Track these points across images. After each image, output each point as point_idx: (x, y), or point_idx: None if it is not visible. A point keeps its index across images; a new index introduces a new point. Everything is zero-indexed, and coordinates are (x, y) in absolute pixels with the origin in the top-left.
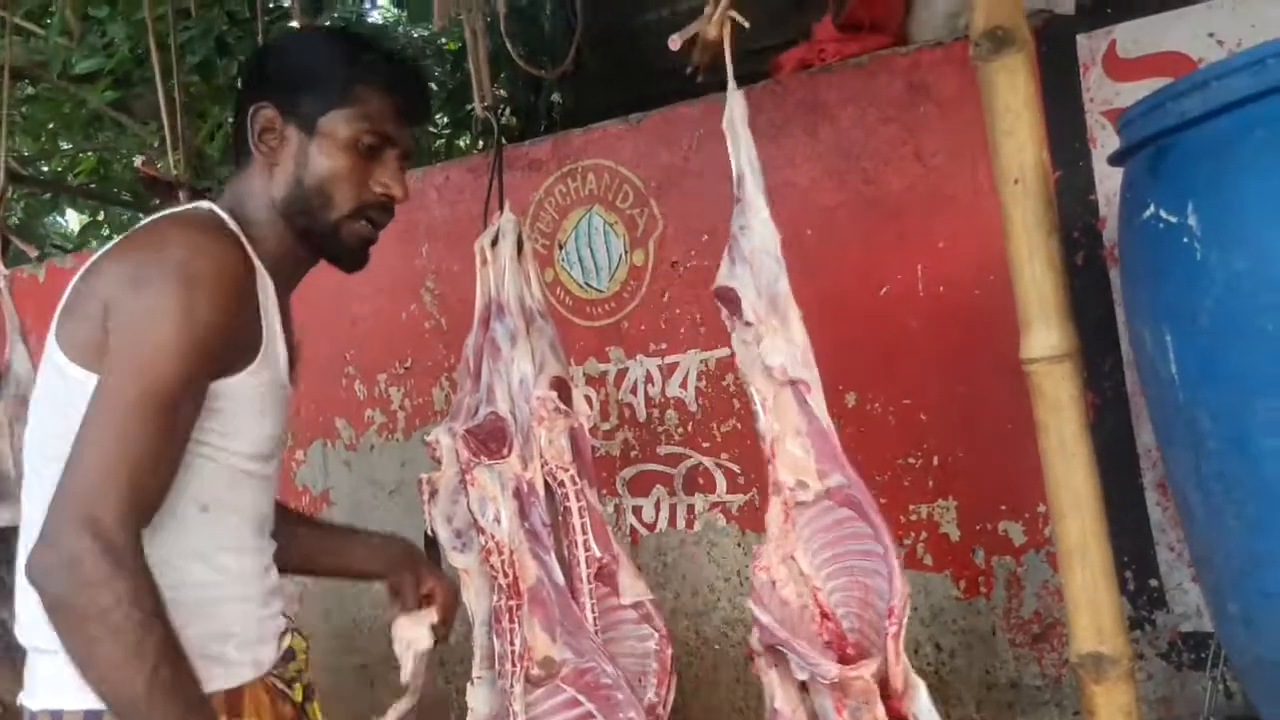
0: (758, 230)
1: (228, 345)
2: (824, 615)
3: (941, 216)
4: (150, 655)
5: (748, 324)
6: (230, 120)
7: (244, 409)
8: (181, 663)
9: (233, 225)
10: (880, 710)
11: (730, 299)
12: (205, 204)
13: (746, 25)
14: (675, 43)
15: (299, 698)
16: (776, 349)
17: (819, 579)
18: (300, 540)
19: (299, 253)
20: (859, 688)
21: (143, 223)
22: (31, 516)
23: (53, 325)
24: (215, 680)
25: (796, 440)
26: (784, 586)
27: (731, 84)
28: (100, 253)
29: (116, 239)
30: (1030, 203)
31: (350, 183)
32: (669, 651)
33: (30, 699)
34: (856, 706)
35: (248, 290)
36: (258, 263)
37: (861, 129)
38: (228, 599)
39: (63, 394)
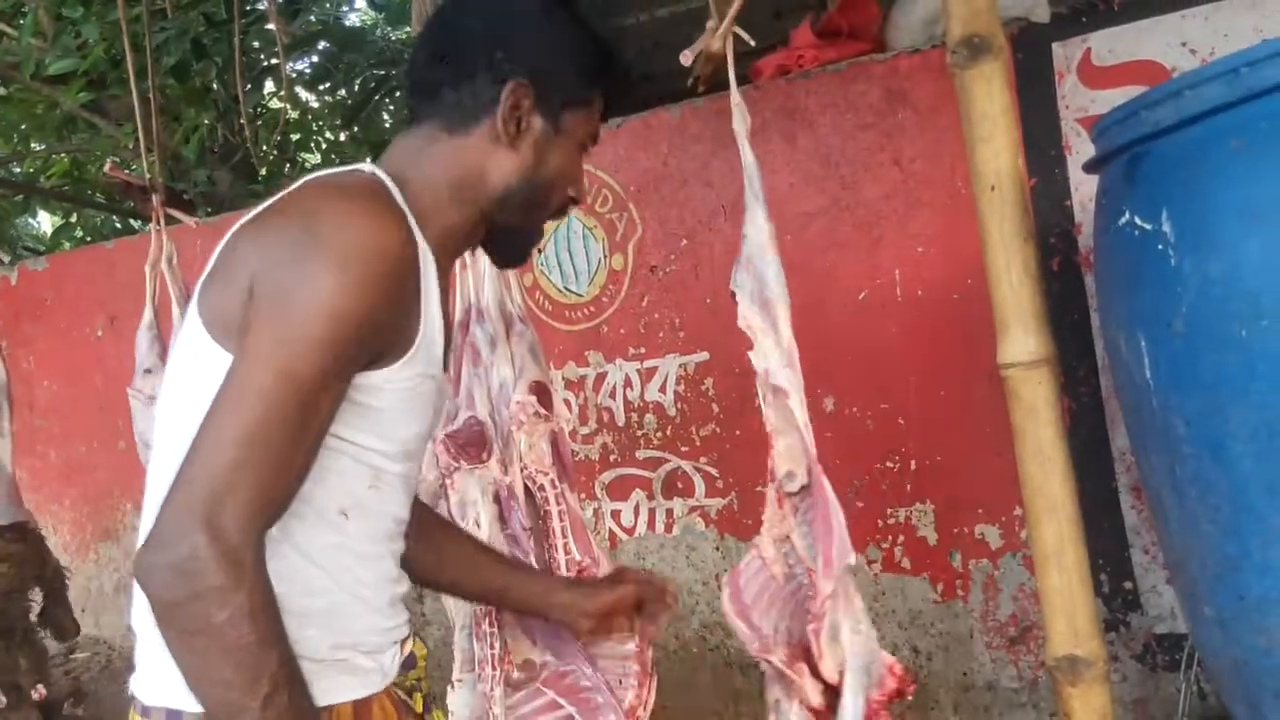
0: (753, 237)
1: (380, 334)
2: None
3: (919, 222)
4: (265, 678)
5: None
6: (432, 64)
7: (393, 404)
8: (298, 687)
9: (398, 196)
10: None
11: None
12: (368, 167)
13: (751, 41)
14: (687, 58)
15: (419, 708)
16: (763, 353)
17: (811, 561)
18: (451, 555)
19: (475, 235)
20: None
21: (300, 182)
22: (149, 503)
23: (196, 291)
24: (342, 690)
25: (780, 439)
26: (774, 564)
27: (735, 95)
28: (254, 213)
29: (273, 199)
30: (1007, 209)
31: (571, 184)
32: (649, 654)
33: (145, 692)
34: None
35: (408, 272)
36: (421, 240)
37: (840, 135)
38: (356, 610)
39: (195, 369)
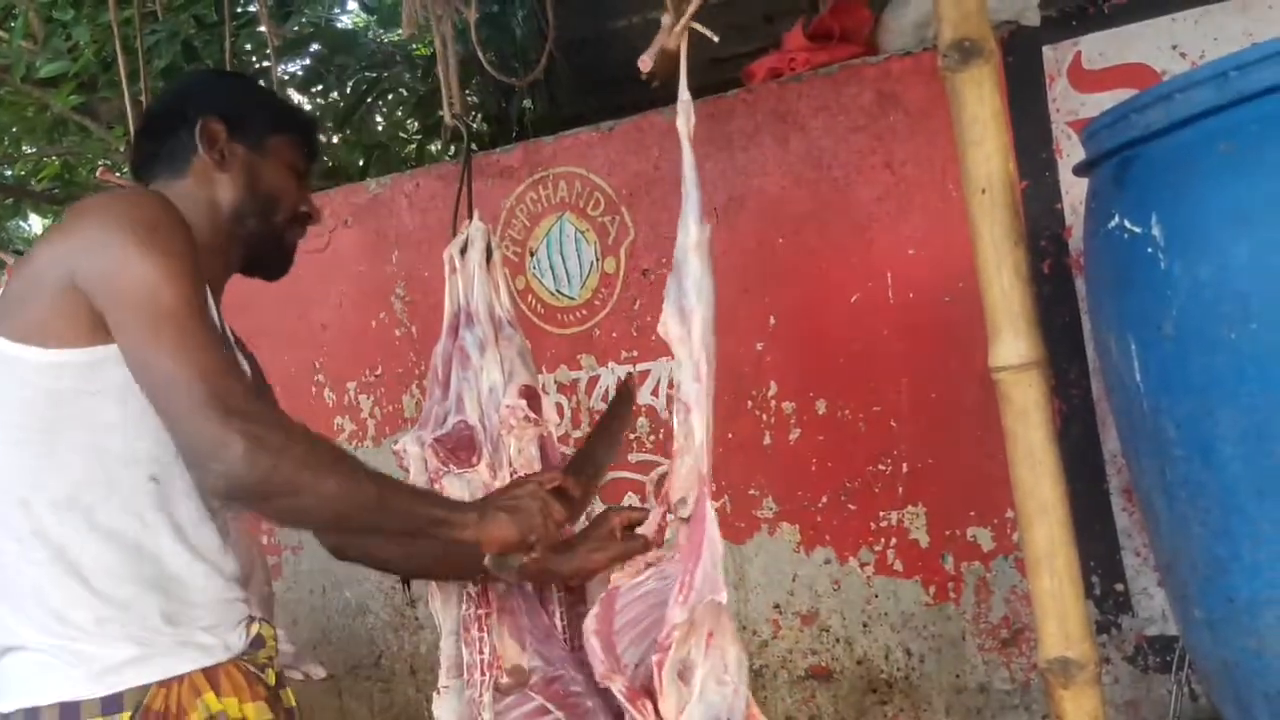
0: (680, 241)
1: (196, 276)
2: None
3: (911, 225)
4: (356, 463)
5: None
6: (143, 140)
7: None
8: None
9: None
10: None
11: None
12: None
13: (715, 38)
14: (646, 64)
15: (272, 682)
16: (677, 365)
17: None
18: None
19: (229, 258)
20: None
21: (72, 207)
22: None
23: None
24: (191, 660)
25: (686, 457)
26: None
27: (684, 94)
28: (33, 248)
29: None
30: (998, 212)
31: (292, 197)
32: None
33: (2, 702)
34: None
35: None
36: None
37: (831, 138)
38: (193, 572)
39: (10, 382)
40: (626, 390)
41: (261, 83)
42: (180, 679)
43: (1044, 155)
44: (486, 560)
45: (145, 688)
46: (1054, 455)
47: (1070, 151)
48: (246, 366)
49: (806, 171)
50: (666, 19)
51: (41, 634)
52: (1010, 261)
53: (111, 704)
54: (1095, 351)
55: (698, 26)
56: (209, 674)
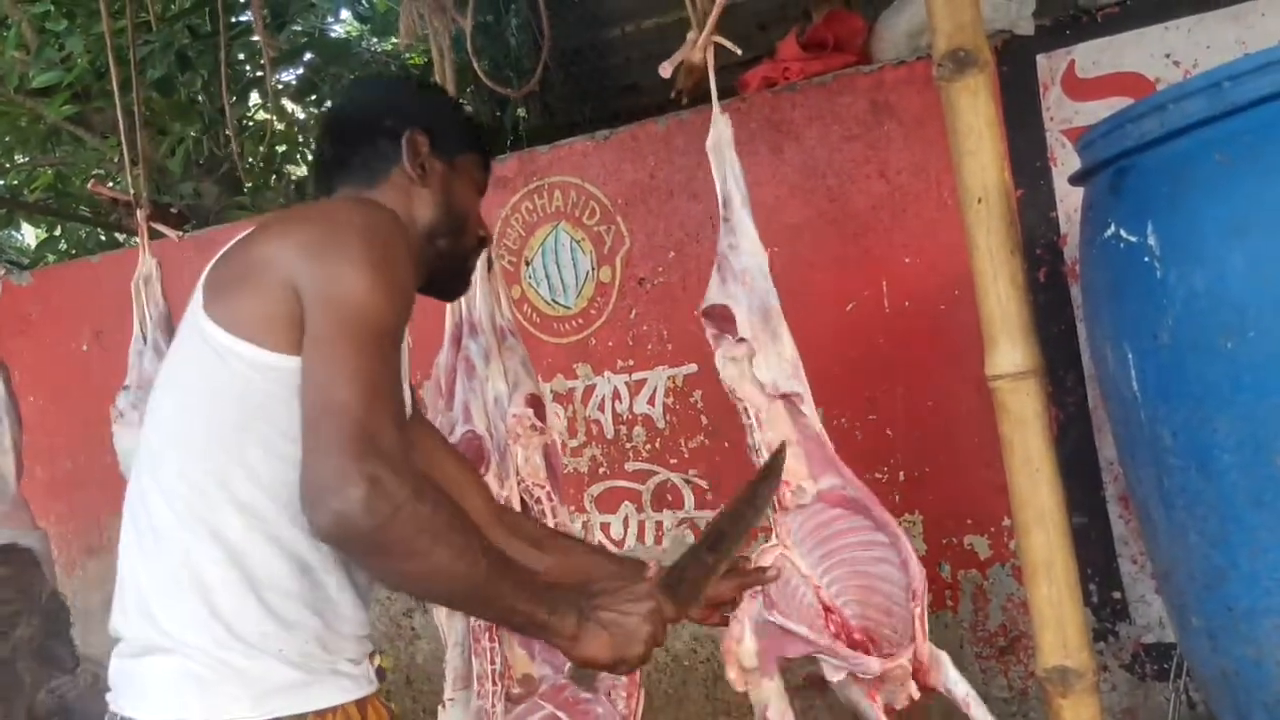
0: (747, 249)
1: (407, 311)
2: (827, 609)
3: (906, 233)
4: (473, 540)
5: (740, 340)
6: (335, 143)
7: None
8: (493, 550)
9: None
10: (913, 686)
11: (722, 316)
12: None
13: (737, 51)
14: (666, 70)
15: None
16: (768, 365)
17: (817, 576)
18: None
19: (416, 273)
20: (897, 675)
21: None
22: (139, 510)
23: (197, 306)
24: (344, 691)
25: (789, 449)
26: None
27: (716, 108)
28: (249, 232)
29: (266, 217)
30: (994, 222)
31: (477, 218)
32: None
33: (140, 707)
34: (892, 690)
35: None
36: None
37: (826, 147)
38: (345, 600)
39: (222, 373)
40: (777, 463)
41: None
42: (335, 709)
43: (1038, 164)
44: (568, 669)
45: (303, 716)
46: (1052, 463)
47: (1064, 160)
48: (409, 399)
49: (801, 180)
50: (691, 34)
51: (203, 639)
52: (1006, 270)
53: None
54: (1092, 359)
55: (721, 40)
56: (360, 706)
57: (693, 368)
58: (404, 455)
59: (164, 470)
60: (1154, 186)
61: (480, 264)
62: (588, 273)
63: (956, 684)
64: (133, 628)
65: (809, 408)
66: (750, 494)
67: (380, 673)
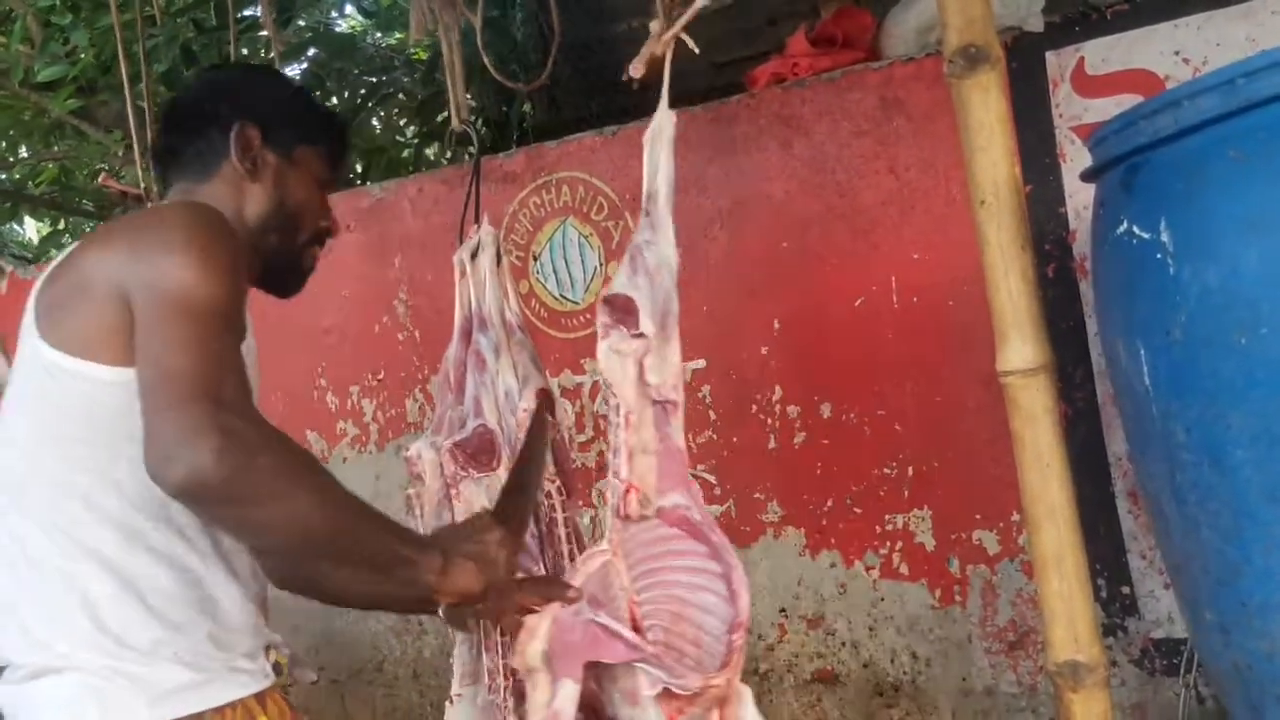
0: (663, 247)
1: (243, 296)
2: (635, 626)
3: (915, 229)
4: (334, 481)
5: (638, 335)
6: (169, 134)
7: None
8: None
9: None
10: (715, 716)
11: (623, 308)
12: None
13: (696, 49)
14: (637, 70)
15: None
16: (659, 367)
17: (635, 590)
18: None
19: (249, 271)
20: (712, 696)
21: (128, 215)
22: (24, 526)
23: (30, 329)
24: (242, 686)
25: (643, 458)
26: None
27: (664, 103)
28: (73, 248)
29: (90, 233)
30: (1004, 218)
31: (315, 213)
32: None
33: None
34: (699, 714)
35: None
36: None
37: (835, 142)
38: (231, 596)
39: (67, 395)
40: (540, 417)
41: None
42: (234, 705)
43: (1047, 160)
44: (441, 611)
45: (201, 715)
46: (1062, 458)
47: (1074, 156)
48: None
49: (810, 176)
50: (655, 25)
51: (95, 654)
52: (1017, 266)
53: None
54: (1103, 355)
55: (684, 37)
56: (259, 699)
57: (700, 363)
58: (251, 405)
59: (30, 500)
60: (1167, 183)
61: (489, 258)
62: (596, 268)
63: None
64: (20, 654)
65: (679, 421)
66: (528, 447)
67: (277, 668)
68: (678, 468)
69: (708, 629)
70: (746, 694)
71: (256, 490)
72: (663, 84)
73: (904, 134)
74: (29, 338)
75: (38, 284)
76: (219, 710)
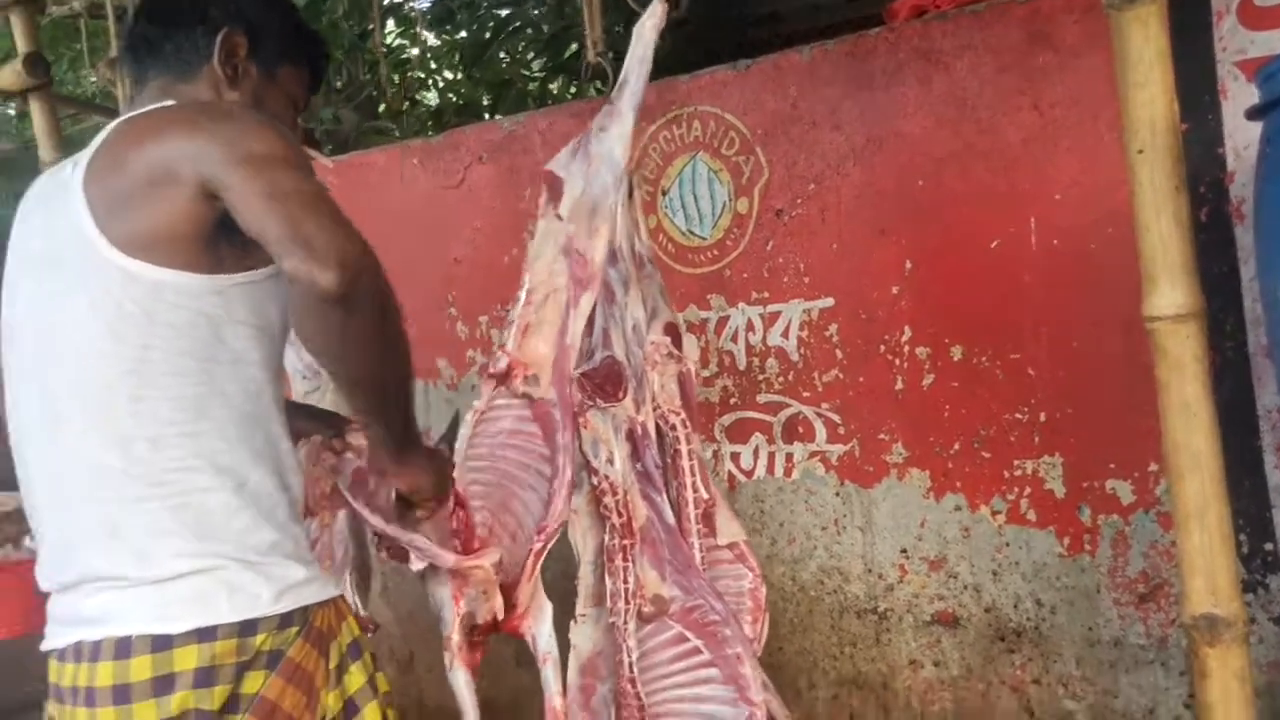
0: (612, 142)
1: None
2: (459, 504)
3: (1058, 168)
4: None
5: (558, 218)
6: (151, 23)
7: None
8: None
9: None
10: (499, 601)
11: (554, 187)
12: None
13: None
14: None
15: None
16: (580, 257)
17: (461, 467)
18: None
19: None
20: (478, 577)
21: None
22: (127, 446)
23: (83, 229)
24: (336, 587)
25: (534, 338)
26: None
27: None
28: (116, 140)
29: (126, 126)
30: (1159, 157)
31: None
32: (763, 590)
33: (124, 625)
34: (474, 596)
35: None
36: None
37: (977, 78)
38: (283, 502)
39: (153, 305)
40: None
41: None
42: (330, 602)
43: (1207, 97)
44: (393, 495)
45: (308, 609)
46: (1209, 408)
47: (1236, 93)
48: None
49: (949, 112)
50: None
51: (217, 557)
52: (1170, 208)
53: (285, 621)
54: (1258, 303)
55: None
56: (339, 604)
57: (829, 301)
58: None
59: (124, 415)
60: None
61: (620, 191)
62: (725, 203)
63: (544, 639)
64: (137, 569)
65: (587, 300)
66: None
67: None
68: (566, 357)
69: (525, 527)
70: (547, 611)
71: (386, 296)
72: None
73: (1051, 69)
74: (77, 238)
75: (78, 176)
76: (322, 605)
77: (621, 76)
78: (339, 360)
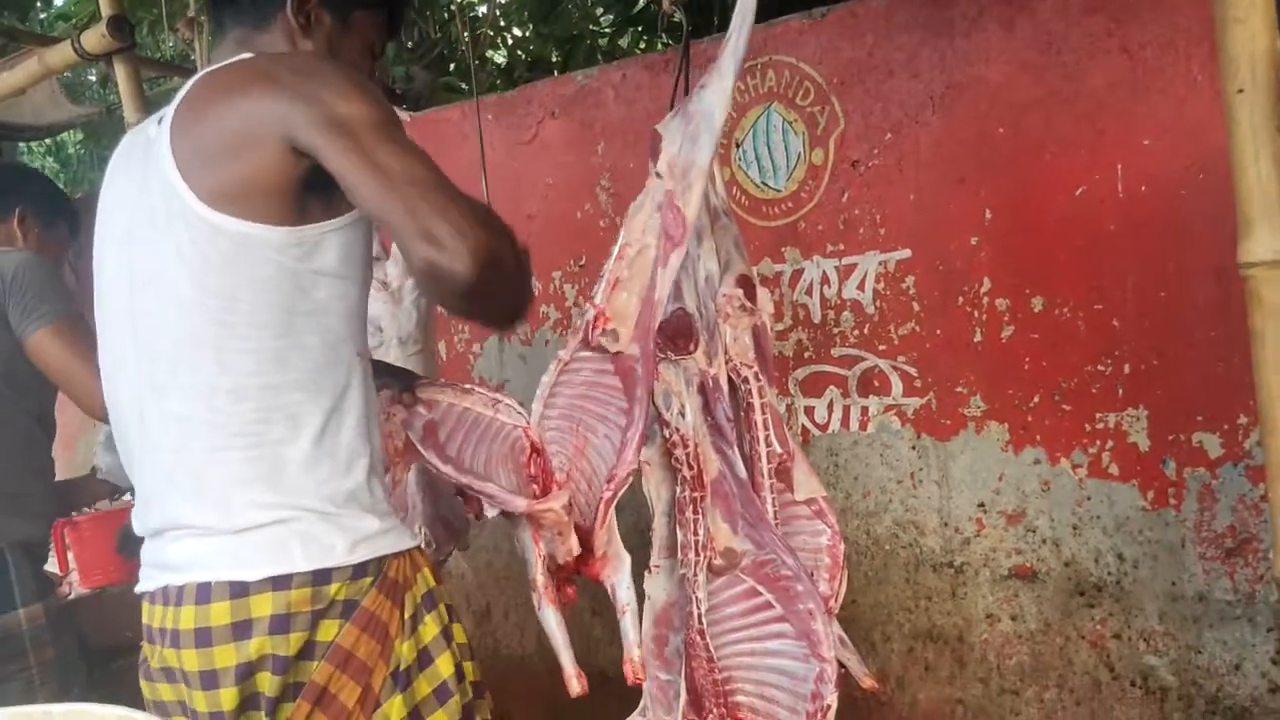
0: (711, 97)
1: None
2: (535, 450)
3: (1147, 113)
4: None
5: (658, 175)
6: None
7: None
8: None
9: None
10: (574, 541)
11: (655, 145)
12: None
13: None
14: None
15: None
16: (678, 214)
17: (538, 415)
18: None
19: None
20: (550, 519)
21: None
22: (211, 398)
23: (171, 181)
24: (411, 538)
25: (622, 293)
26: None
27: None
28: (200, 92)
29: (212, 79)
30: (1259, 96)
31: None
32: (841, 547)
33: (205, 572)
34: (550, 537)
35: None
36: None
37: (1063, 20)
38: (364, 454)
39: (236, 256)
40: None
41: None
42: (405, 553)
43: None
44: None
45: (384, 559)
46: None
47: None
48: None
49: (1033, 57)
50: None
51: (295, 509)
52: (1269, 149)
53: (359, 571)
54: None
55: None
56: (420, 552)
57: (906, 253)
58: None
59: (207, 366)
60: None
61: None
62: (799, 155)
63: (624, 590)
64: (218, 520)
65: (678, 255)
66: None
67: None
68: (651, 312)
69: (599, 476)
70: (625, 562)
71: (516, 275)
72: None
73: (1141, 9)
74: (165, 191)
75: (164, 130)
76: (398, 555)
77: (730, 30)
78: (466, 317)
